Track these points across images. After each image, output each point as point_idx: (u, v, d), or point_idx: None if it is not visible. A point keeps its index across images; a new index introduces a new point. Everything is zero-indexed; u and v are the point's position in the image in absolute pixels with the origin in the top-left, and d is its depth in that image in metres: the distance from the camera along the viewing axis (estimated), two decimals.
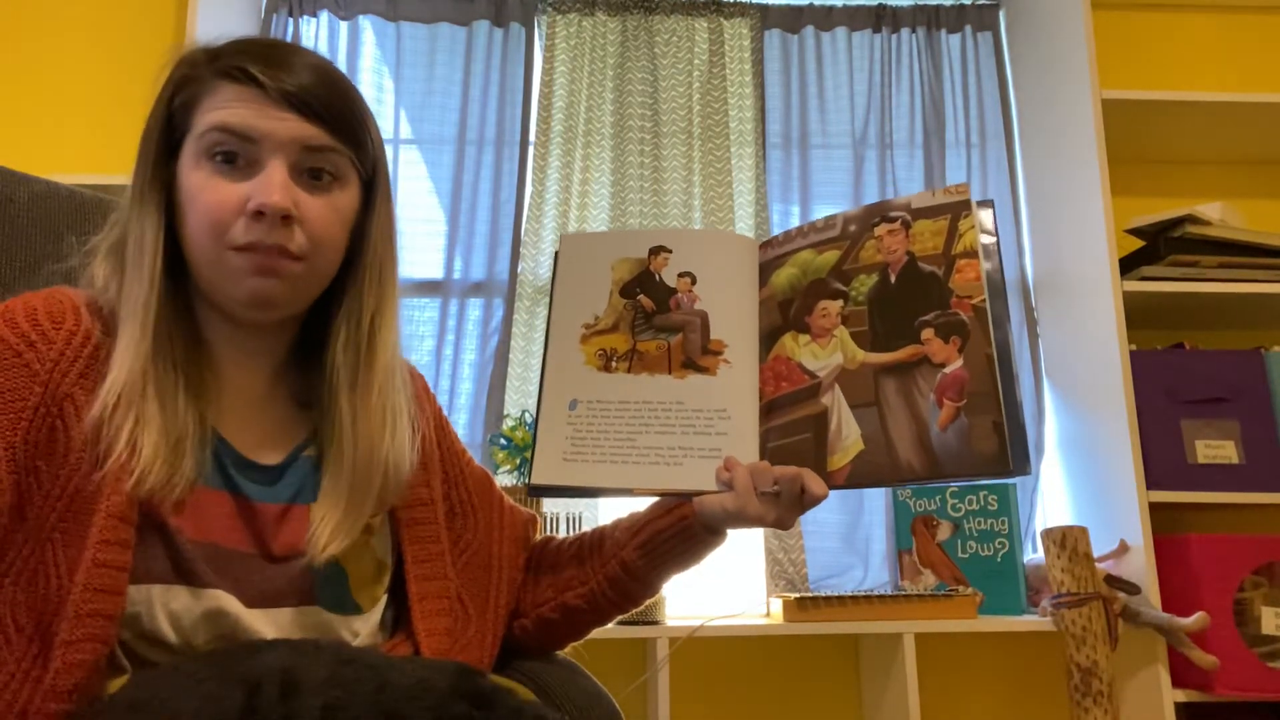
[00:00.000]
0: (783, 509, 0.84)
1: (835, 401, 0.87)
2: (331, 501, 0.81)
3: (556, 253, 0.99)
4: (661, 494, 0.91)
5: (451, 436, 0.99)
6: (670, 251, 0.95)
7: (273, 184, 0.75)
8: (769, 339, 0.93)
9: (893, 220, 0.91)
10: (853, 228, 0.92)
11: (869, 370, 0.87)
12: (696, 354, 0.92)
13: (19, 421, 0.71)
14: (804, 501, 0.83)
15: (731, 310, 0.93)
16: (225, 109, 0.76)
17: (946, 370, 0.84)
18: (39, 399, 0.72)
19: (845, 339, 0.89)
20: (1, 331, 0.73)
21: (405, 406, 0.86)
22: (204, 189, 0.76)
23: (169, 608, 0.73)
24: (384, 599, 0.86)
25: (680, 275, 0.94)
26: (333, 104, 0.79)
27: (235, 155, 0.76)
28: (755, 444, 0.88)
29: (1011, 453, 0.80)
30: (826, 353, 0.89)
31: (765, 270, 0.96)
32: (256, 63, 0.77)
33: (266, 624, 0.77)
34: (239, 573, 0.77)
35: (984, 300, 0.84)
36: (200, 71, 0.79)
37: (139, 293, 0.76)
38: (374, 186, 0.84)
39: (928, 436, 0.83)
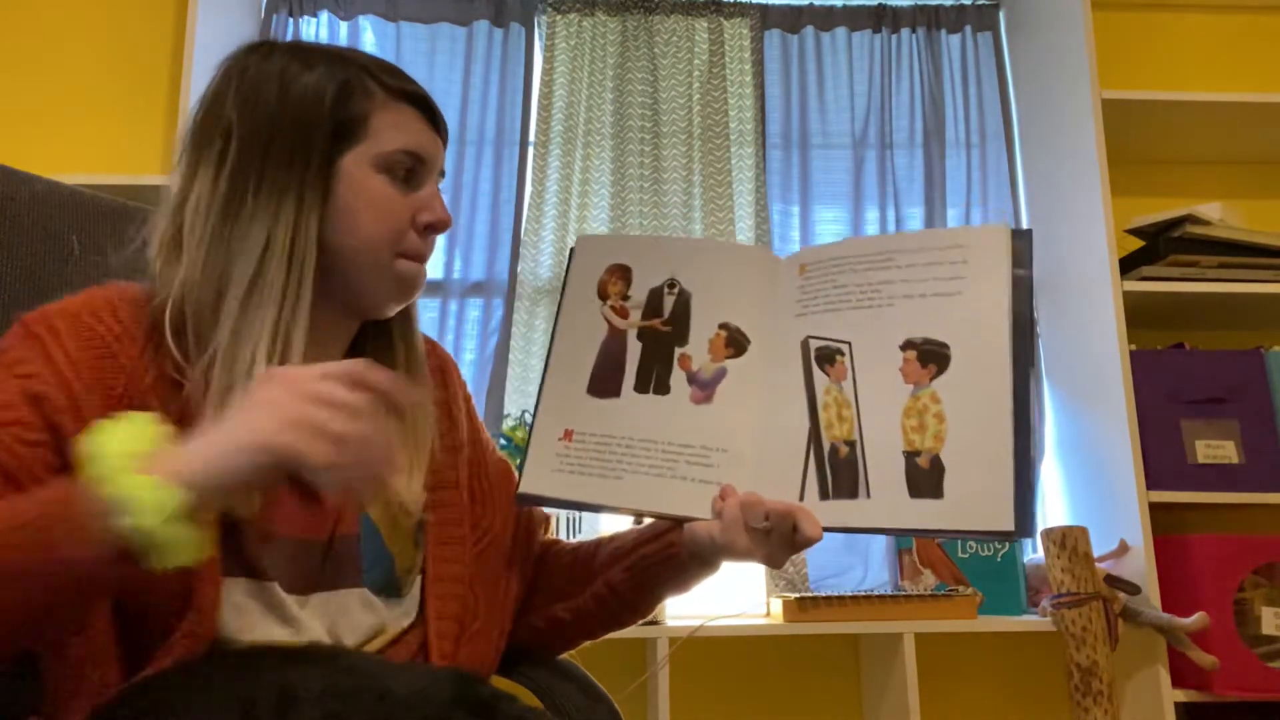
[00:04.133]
0: (773, 547, 0.80)
1: None
2: (397, 433, 0.84)
3: (572, 249, 0.95)
4: (650, 515, 0.88)
5: (477, 423, 1.00)
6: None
7: (440, 203, 0.85)
8: None
9: None
10: None
11: None
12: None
13: (107, 410, 0.72)
14: (796, 542, 0.79)
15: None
16: (412, 133, 0.83)
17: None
18: (123, 390, 0.74)
19: None
20: (93, 324, 0.75)
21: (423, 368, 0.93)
22: (387, 200, 0.82)
23: (230, 599, 0.74)
24: (417, 582, 0.87)
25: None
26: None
27: (409, 173, 0.83)
28: (752, 480, 0.84)
29: (1016, 514, 0.74)
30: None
31: None
32: (418, 89, 0.85)
33: (308, 613, 0.78)
34: (289, 560, 0.78)
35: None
36: (368, 84, 0.82)
37: (286, 286, 0.78)
38: None
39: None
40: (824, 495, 0.80)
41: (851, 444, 0.81)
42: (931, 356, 0.81)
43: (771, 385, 0.86)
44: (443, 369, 0.97)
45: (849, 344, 0.84)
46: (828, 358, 0.85)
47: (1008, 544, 1.92)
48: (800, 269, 0.89)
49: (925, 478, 0.78)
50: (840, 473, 0.81)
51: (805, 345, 0.86)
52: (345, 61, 0.82)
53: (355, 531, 0.82)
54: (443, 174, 0.88)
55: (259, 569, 0.76)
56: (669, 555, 0.87)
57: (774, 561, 0.81)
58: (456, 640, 0.86)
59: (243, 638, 0.74)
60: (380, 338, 0.90)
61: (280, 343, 0.76)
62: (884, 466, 0.79)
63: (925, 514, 0.77)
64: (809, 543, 0.78)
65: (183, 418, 0.74)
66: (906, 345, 0.82)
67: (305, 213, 0.78)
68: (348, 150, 0.81)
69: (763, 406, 0.86)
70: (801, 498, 0.81)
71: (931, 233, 0.86)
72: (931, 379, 0.80)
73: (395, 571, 0.84)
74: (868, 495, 0.79)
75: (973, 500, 0.76)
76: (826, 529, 0.79)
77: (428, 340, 0.98)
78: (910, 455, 0.79)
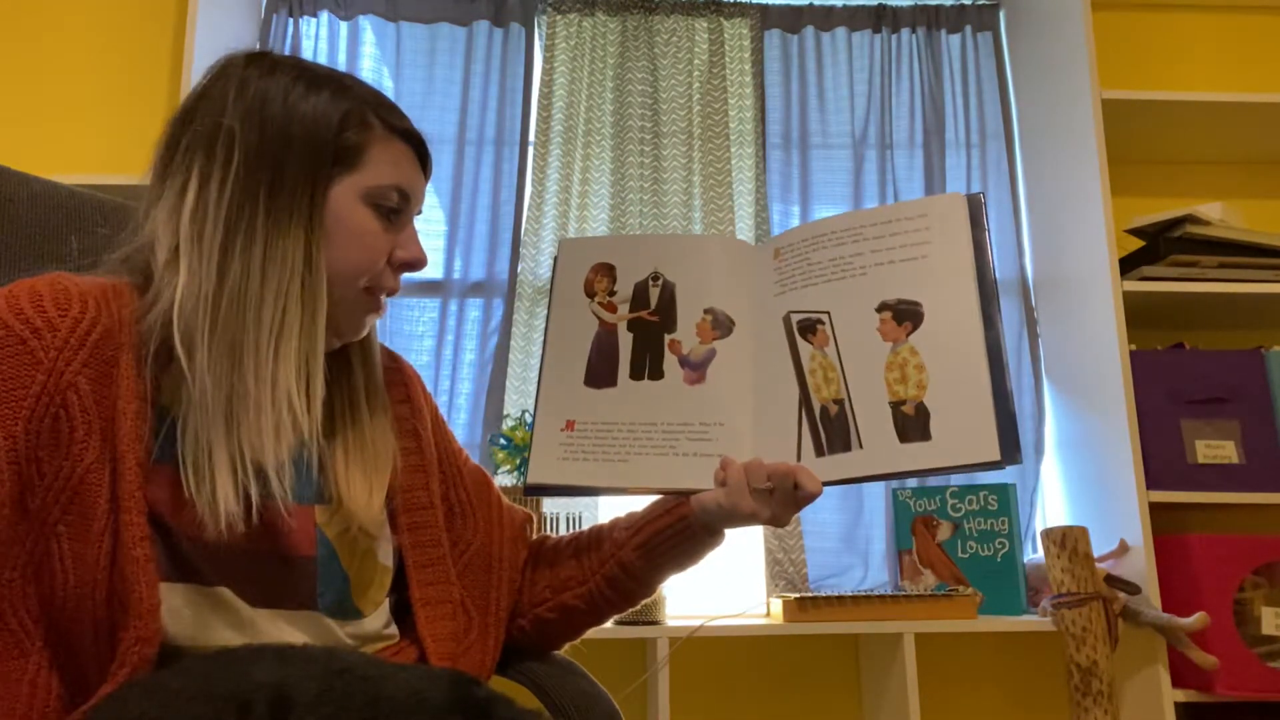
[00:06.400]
0: (777, 506, 0.84)
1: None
2: (356, 455, 0.85)
3: (556, 257, 0.99)
4: (657, 492, 0.91)
5: (448, 435, 0.99)
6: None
7: (418, 242, 0.86)
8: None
9: None
10: None
11: None
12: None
13: (20, 411, 0.70)
14: (798, 499, 0.84)
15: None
16: (404, 171, 0.84)
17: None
18: (41, 388, 0.71)
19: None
20: (6, 317, 0.72)
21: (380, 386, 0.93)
22: (371, 233, 0.82)
23: (170, 604, 0.73)
24: (386, 603, 0.86)
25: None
26: None
27: (394, 210, 0.84)
28: (751, 449, 0.89)
29: (1000, 444, 0.81)
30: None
31: None
32: (414, 128, 0.86)
33: (272, 623, 0.77)
34: (239, 573, 0.76)
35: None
36: (369, 117, 0.82)
37: (303, 317, 0.78)
38: None
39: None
40: (819, 452, 0.86)
41: (840, 402, 0.86)
42: (906, 315, 0.87)
43: (759, 360, 0.91)
44: (406, 384, 0.96)
45: (828, 313, 0.90)
46: (809, 328, 0.90)
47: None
48: (775, 253, 0.94)
49: (912, 423, 0.83)
50: (832, 430, 0.86)
51: (787, 320, 0.91)
52: (348, 91, 0.82)
53: (313, 554, 0.81)
54: (419, 211, 0.88)
55: (200, 574, 0.74)
56: (681, 527, 0.90)
57: (779, 520, 0.85)
58: (454, 660, 0.87)
59: (191, 643, 0.73)
60: (338, 360, 0.88)
61: (306, 373, 0.77)
62: (873, 418, 0.85)
63: (916, 456, 0.82)
64: (810, 498, 0.83)
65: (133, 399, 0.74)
66: (882, 308, 0.88)
67: (315, 243, 0.78)
68: (340, 179, 0.80)
69: (753, 380, 0.90)
70: (799, 458, 0.86)
71: (894, 206, 0.92)
72: (908, 335, 0.86)
73: (350, 592, 0.83)
74: (860, 446, 0.84)
75: (959, 437, 0.81)
76: (826, 483, 0.84)
77: (392, 354, 0.97)
78: (896, 405, 0.85)
